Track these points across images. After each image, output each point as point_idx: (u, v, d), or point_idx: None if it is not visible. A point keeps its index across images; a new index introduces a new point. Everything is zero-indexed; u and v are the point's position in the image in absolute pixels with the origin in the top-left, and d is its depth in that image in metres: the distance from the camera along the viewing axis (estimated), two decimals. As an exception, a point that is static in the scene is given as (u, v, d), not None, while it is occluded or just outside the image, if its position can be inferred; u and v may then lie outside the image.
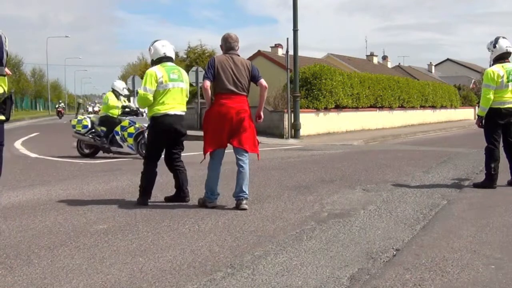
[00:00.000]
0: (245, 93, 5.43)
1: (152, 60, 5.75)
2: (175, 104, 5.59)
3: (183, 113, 5.72)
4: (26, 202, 5.83)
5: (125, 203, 5.47)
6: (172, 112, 5.56)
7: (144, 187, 5.60)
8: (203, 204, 5.48)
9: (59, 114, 44.29)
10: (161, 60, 5.67)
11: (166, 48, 5.71)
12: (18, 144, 14.87)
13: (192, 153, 11.49)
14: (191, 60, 30.35)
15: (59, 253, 3.79)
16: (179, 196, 5.79)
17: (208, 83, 5.33)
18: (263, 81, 5.51)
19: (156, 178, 5.70)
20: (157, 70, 5.57)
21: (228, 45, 5.49)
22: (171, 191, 6.46)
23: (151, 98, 5.52)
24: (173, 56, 5.80)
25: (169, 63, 5.68)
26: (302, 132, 17.16)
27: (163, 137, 5.66)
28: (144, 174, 5.65)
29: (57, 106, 48.49)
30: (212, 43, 71.22)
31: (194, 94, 20.51)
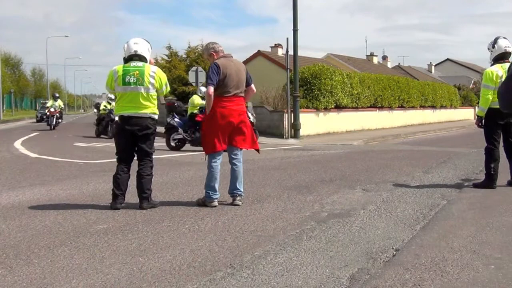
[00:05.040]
0: (243, 95, 5.63)
1: (124, 58, 5.54)
2: (131, 105, 5.37)
3: (142, 115, 5.39)
4: (26, 202, 5.83)
5: (125, 203, 5.47)
6: (126, 113, 5.38)
7: (112, 190, 5.45)
8: (203, 204, 5.49)
9: (51, 118, 22.03)
10: (131, 58, 5.44)
11: (138, 45, 5.47)
12: (18, 144, 14.86)
13: (191, 153, 11.51)
14: (191, 60, 30.19)
15: (59, 253, 3.79)
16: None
17: (212, 90, 5.35)
18: (253, 86, 5.77)
19: (126, 182, 5.45)
20: (115, 70, 5.44)
21: (217, 48, 5.60)
22: (171, 191, 6.48)
23: (114, 96, 5.58)
24: (146, 55, 5.52)
25: (135, 63, 5.41)
26: (302, 132, 17.17)
27: (121, 138, 5.51)
28: (113, 176, 5.54)
29: (45, 104, 23.87)
30: (212, 43, 70.77)
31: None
